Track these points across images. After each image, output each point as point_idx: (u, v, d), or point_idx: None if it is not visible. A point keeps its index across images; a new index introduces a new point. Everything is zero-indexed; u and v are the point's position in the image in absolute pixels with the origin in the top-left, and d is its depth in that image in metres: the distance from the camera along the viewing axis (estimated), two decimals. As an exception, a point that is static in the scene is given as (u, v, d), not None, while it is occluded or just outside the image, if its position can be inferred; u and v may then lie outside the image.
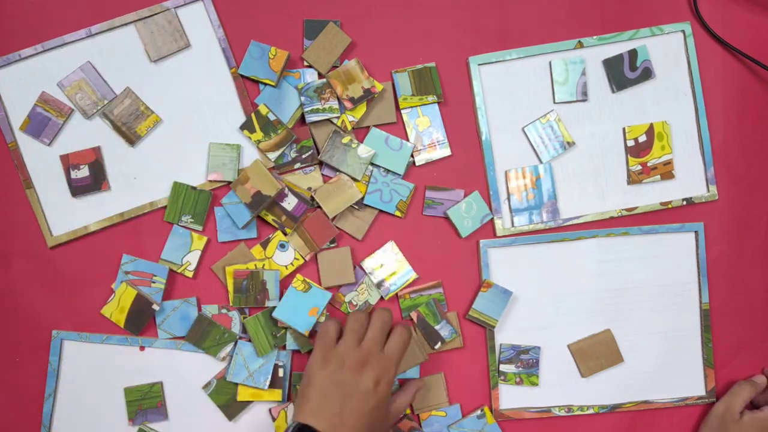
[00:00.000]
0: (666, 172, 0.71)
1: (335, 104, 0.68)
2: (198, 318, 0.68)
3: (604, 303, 0.71)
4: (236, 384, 0.68)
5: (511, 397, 0.71)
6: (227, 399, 0.68)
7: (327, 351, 0.61)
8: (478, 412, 0.70)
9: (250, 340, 0.68)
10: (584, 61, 0.70)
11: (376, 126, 0.69)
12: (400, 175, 0.69)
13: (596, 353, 0.71)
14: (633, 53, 0.70)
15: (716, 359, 0.72)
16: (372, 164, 0.69)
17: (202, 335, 0.68)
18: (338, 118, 0.69)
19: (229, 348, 0.68)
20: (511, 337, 0.71)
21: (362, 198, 0.69)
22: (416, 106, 0.70)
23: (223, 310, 0.69)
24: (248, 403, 0.69)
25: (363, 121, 0.69)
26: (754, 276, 0.72)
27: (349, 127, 0.69)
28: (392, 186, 0.69)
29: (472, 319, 0.70)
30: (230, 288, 0.68)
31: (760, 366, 0.73)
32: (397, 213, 0.69)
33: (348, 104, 0.68)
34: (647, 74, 0.71)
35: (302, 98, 0.68)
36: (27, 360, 0.69)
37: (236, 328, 0.68)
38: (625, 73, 0.71)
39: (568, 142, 0.70)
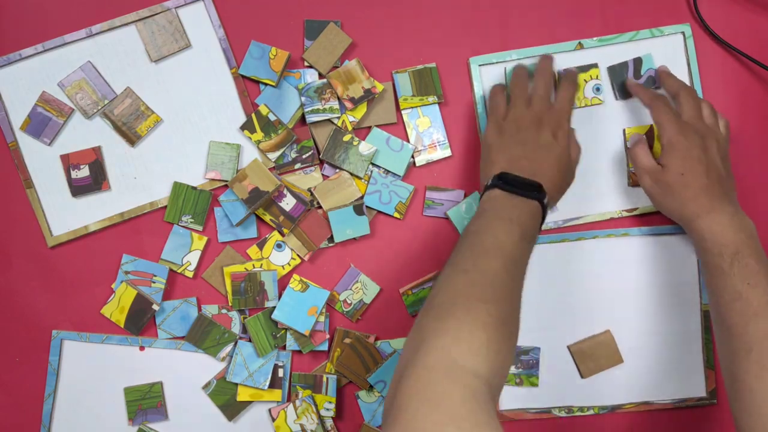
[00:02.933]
0: (666, 172, 0.71)
1: (336, 104, 0.68)
2: (198, 318, 0.68)
3: (604, 303, 0.71)
4: (236, 384, 0.68)
5: (511, 397, 0.70)
6: (227, 399, 0.68)
7: (500, 122, 0.64)
8: (478, 412, 0.70)
9: (250, 340, 0.68)
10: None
11: (376, 126, 0.69)
12: (399, 176, 0.69)
13: (596, 354, 0.70)
14: (638, 61, 0.70)
15: (717, 360, 0.72)
16: (372, 164, 0.69)
17: (202, 335, 0.68)
18: (339, 118, 0.69)
19: (229, 348, 0.68)
20: (511, 338, 0.70)
21: (361, 196, 0.69)
22: (417, 107, 0.70)
23: (223, 310, 0.69)
24: (248, 403, 0.68)
25: (363, 121, 0.69)
26: (755, 277, 0.72)
27: (350, 128, 0.69)
28: (392, 187, 0.69)
29: (472, 320, 0.69)
30: (228, 290, 0.68)
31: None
32: (396, 215, 0.69)
33: (348, 104, 0.68)
34: (651, 82, 0.70)
35: (303, 98, 0.68)
36: (27, 360, 0.69)
37: (236, 329, 0.68)
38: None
39: (569, 143, 0.70)
